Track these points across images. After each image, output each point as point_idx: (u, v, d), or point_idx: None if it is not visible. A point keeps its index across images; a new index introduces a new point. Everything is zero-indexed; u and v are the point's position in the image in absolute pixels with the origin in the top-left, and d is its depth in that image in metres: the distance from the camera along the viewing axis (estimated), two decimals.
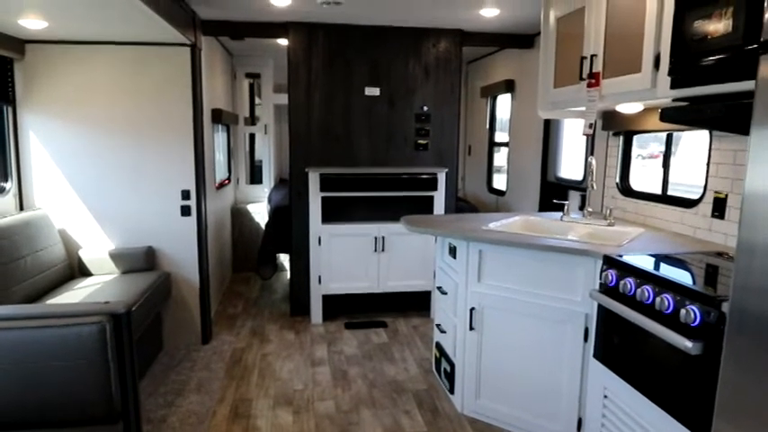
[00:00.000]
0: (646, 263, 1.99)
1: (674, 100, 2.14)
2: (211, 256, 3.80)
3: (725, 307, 1.55)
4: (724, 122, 2.11)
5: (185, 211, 3.41)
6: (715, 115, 1.86)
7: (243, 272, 5.36)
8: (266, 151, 5.86)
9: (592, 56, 2.52)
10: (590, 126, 2.60)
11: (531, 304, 2.41)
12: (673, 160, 2.87)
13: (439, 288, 2.96)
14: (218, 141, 4.61)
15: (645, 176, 3.10)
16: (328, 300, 4.02)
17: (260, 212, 5.41)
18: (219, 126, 4.69)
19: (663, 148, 2.91)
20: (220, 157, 4.79)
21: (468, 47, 4.18)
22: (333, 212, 3.91)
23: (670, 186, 2.85)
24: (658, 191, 2.87)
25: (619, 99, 2.43)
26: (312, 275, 3.93)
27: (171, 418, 2.60)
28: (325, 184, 3.81)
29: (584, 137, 3.75)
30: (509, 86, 4.63)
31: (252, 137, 6.09)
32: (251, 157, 6.14)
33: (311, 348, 3.53)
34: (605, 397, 2.18)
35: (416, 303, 4.19)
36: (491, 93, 5.05)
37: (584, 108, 2.70)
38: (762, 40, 1.34)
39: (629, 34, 2.30)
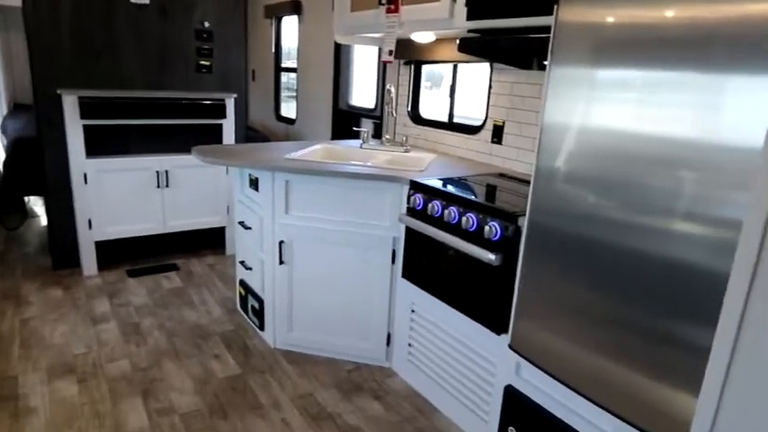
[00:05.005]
0: (447, 186, 2.14)
1: (468, 31, 2.27)
2: None
3: (521, 221, 1.76)
4: (511, 55, 2.32)
5: None
6: (508, 47, 2.03)
7: None
8: None
9: None
10: (390, 53, 2.61)
11: (340, 233, 2.42)
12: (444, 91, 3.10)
13: (241, 223, 2.77)
14: None
15: (430, 104, 3.30)
16: (103, 246, 3.46)
17: None
18: None
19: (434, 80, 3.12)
20: None
21: None
22: (100, 144, 3.28)
23: (449, 113, 3.09)
24: (445, 119, 3.09)
25: (417, 27, 2.47)
26: (79, 220, 3.31)
27: None
28: (87, 109, 3.15)
29: (377, 65, 3.82)
30: (296, 8, 4.39)
31: None
32: None
33: (88, 304, 3.02)
34: (413, 312, 2.36)
35: (209, 241, 3.90)
36: (275, 13, 4.73)
37: (380, 34, 2.69)
38: None
39: None
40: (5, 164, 3.58)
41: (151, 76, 3.47)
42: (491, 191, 2.18)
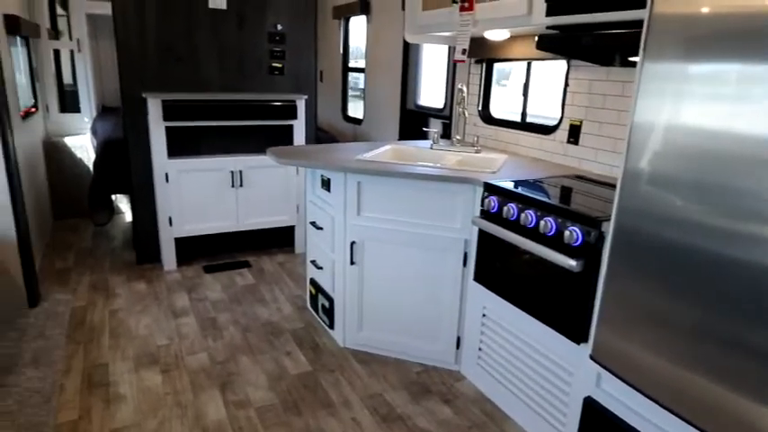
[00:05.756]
0: (522, 188, 2.08)
1: (547, 28, 2.19)
2: (27, 202, 3.13)
3: (604, 227, 1.68)
4: (592, 52, 2.22)
5: None
6: (592, 44, 1.94)
7: (67, 218, 4.58)
8: (83, 73, 4.90)
9: None
10: (463, 52, 2.57)
11: (411, 234, 2.41)
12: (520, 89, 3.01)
13: (312, 223, 2.82)
14: (16, 59, 3.70)
15: (501, 102, 3.23)
16: (182, 242, 3.63)
17: (82, 146, 4.59)
18: (18, 39, 3.75)
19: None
20: (22, 78, 3.88)
21: None
22: (180, 145, 3.44)
23: (522, 112, 3.00)
24: (517, 118, 3.01)
25: (493, 24, 2.41)
26: (161, 217, 3.49)
27: (5, 402, 2.15)
28: (170, 112, 3.31)
29: (446, 63, 3.78)
30: (364, 8, 4.42)
31: (57, 54, 5.04)
32: (59, 80, 5.11)
33: (169, 298, 3.18)
34: (484, 315, 2.31)
35: (279, 239, 4.00)
36: (344, 14, 4.78)
37: (452, 33, 2.66)
38: None
39: None
40: (95, 164, 3.83)
41: (227, 79, 3.60)
42: (569, 193, 2.10)
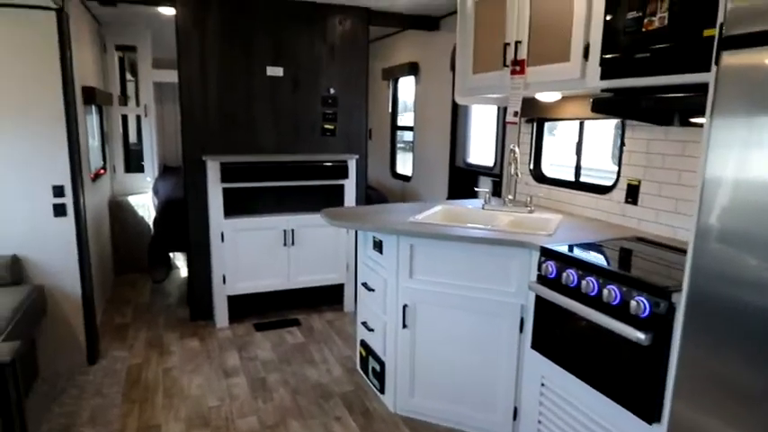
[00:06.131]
0: (581, 252, 2.01)
1: (602, 90, 2.18)
2: (92, 259, 3.28)
3: (675, 297, 1.59)
4: (650, 113, 2.18)
5: (59, 210, 2.87)
6: (651, 107, 1.91)
7: (127, 274, 4.76)
8: (148, 136, 5.22)
9: (516, 42, 2.49)
10: (515, 114, 2.58)
11: (465, 298, 2.36)
12: (567, 147, 2.98)
13: (364, 284, 2.81)
14: (90, 125, 3.98)
15: (551, 155, 3.19)
16: (234, 300, 3.69)
17: (144, 205, 4.82)
18: (92, 107, 4.05)
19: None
20: (94, 143, 4.16)
21: (371, 26, 4.00)
22: (236, 205, 3.56)
23: (575, 171, 2.95)
24: (570, 177, 2.96)
25: (545, 87, 2.42)
26: (215, 275, 3.57)
27: None
28: (227, 173, 3.45)
29: (495, 122, 3.80)
30: (413, 69, 4.55)
31: (124, 119, 5.40)
32: (125, 142, 5.45)
33: (221, 356, 3.20)
34: (543, 385, 2.20)
35: (328, 297, 4.01)
36: (393, 75, 4.94)
37: (502, 95, 2.67)
38: (722, 35, 1.35)
39: (556, 23, 2.29)
40: (156, 222, 4.00)
41: (282, 141, 3.74)
42: (631, 258, 2.02)
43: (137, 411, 2.60)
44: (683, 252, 1.51)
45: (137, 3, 3.46)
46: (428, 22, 4.10)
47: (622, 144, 2.54)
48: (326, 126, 3.86)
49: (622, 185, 2.56)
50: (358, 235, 2.91)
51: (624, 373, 1.76)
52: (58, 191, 2.85)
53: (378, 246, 2.64)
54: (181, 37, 3.40)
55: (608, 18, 2.00)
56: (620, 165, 2.57)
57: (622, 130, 2.54)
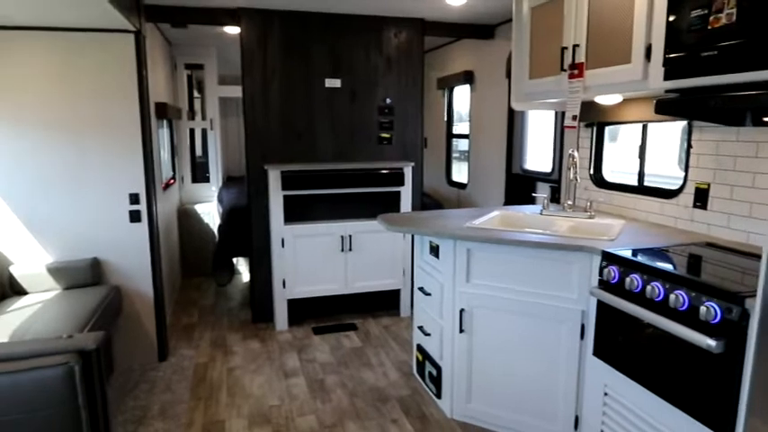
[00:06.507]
0: (645, 257, 1.95)
1: (666, 91, 2.12)
2: (163, 263, 3.48)
3: (748, 303, 1.52)
4: (719, 113, 2.10)
5: (135, 216, 3.07)
6: (722, 106, 1.84)
7: (193, 277, 5.01)
8: (213, 147, 5.49)
9: (574, 46, 2.47)
10: (573, 118, 2.54)
11: (523, 303, 2.34)
12: (632, 150, 2.89)
13: (421, 289, 2.83)
14: (161, 137, 4.24)
15: (613, 161, 3.10)
16: (293, 303, 3.80)
17: (209, 213, 5.06)
18: (164, 121, 4.32)
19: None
20: (165, 155, 4.42)
21: (425, 37, 4.05)
22: (295, 212, 3.68)
23: (638, 176, 2.86)
24: (633, 181, 2.88)
25: (604, 90, 2.38)
26: (275, 279, 3.70)
27: None
28: (288, 181, 3.57)
29: (553, 127, 3.75)
30: (468, 77, 4.56)
31: (192, 132, 5.71)
32: (192, 153, 5.76)
33: (281, 358, 3.31)
34: (606, 394, 2.14)
35: (385, 302, 4.05)
36: (448, 84, 4.97)
37: (560, 99, 2.64)
38: None
39: (616, 24, 2.25)
40: (220, 229, 4.19)
41: (340, 150, 3.84)
42: (700, 263, 1.94)
43: (202, 407, 2.73)
44: (758, 258, 1.45)
45: (207, 23, 3.66)
46: (483, 31, 4.11)
47: (689, 146, 2.45)
48: (383, 135, 3.94)
49: (690, 189, 2.46)
50: (414, 240, 2.94)
51: (694, 383, 1.70)
52: (134, 198, 3.06)
53: (434, 251, 2.66)
54: (245, 54, 3.58)
55: (671, 18, 1.95)
56: (686, 168, 2.48)
57: (689, 131, 2.45)
